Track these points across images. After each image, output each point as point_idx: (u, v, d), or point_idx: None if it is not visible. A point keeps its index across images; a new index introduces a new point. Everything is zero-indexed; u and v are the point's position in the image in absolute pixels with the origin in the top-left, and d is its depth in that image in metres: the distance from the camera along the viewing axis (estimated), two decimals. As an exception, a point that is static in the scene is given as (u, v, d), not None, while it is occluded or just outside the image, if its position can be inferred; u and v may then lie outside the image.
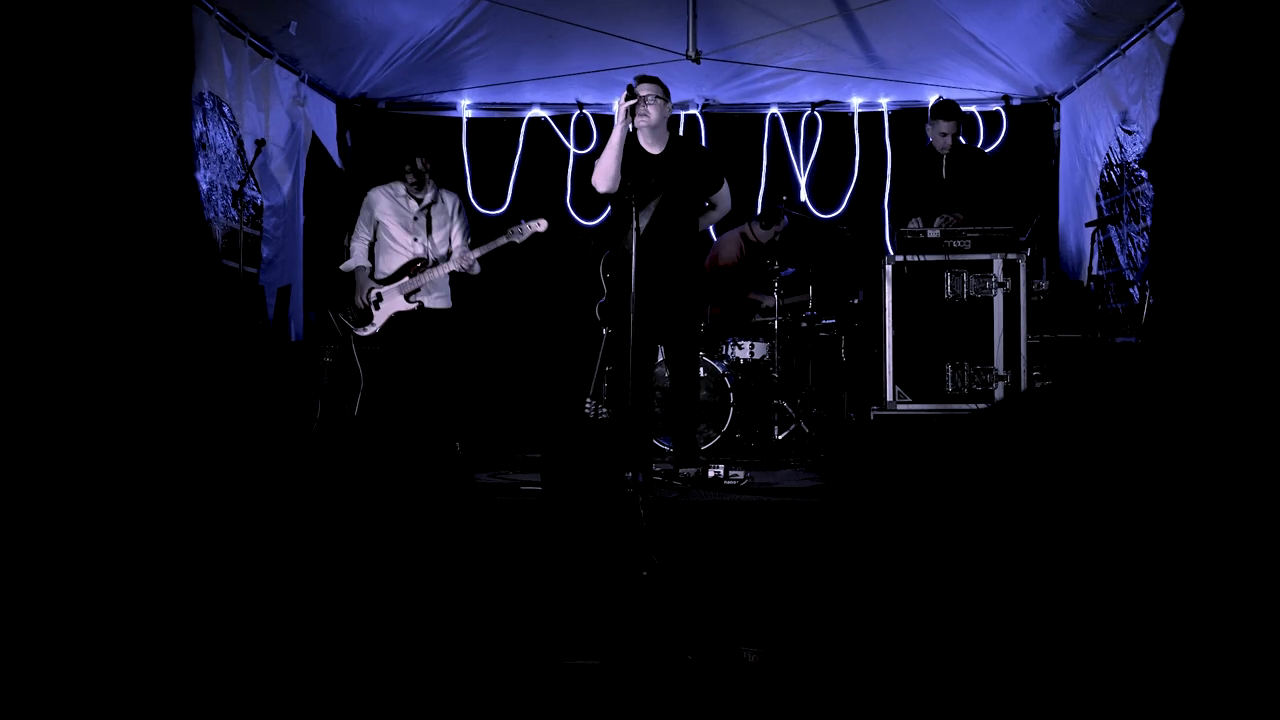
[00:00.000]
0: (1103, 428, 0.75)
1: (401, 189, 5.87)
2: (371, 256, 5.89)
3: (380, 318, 5.82)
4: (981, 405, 5.33)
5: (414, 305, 5.80)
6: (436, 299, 5.87)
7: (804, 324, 6.89)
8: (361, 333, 5.84)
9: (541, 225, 5.69)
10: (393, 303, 5.81)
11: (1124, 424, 0.74)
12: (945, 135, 6.08)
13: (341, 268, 5.94)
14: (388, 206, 5.86)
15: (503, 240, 5.72)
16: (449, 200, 5.96)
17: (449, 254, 5.89)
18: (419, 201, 5.85)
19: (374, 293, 5.80)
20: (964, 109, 7.89)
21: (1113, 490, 0.72)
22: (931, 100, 7.59)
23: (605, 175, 4.85)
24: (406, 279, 5.80)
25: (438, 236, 5.85)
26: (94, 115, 1.19)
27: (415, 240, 5.84)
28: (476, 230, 6.17)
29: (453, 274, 5.85)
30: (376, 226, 5.86)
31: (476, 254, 5.75)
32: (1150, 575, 0.68)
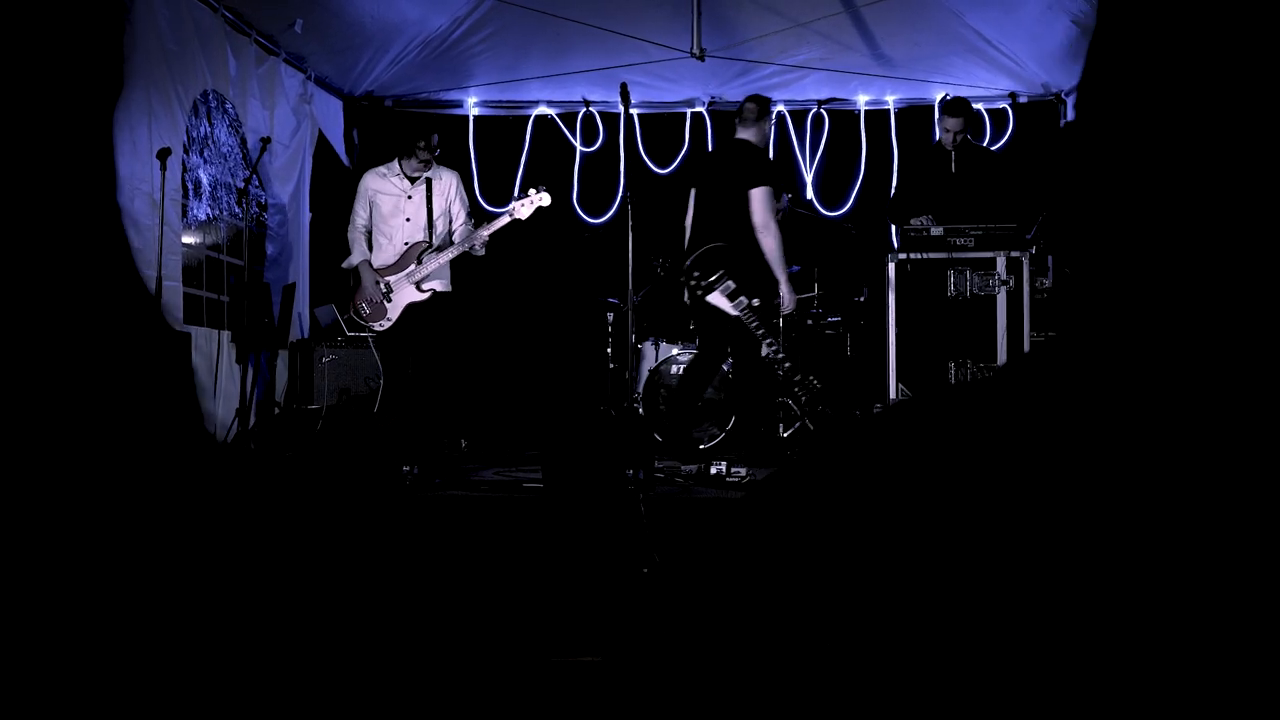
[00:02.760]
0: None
1: (395, 168, 5.66)
2: (371, 245, 5.69)
3: (394, 310, 5.61)
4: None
5: (426, 294, 5.59)
6: (438, 283, 5.65)
7: (809, 321, 6.89)
8: (378, 327, 5.64)
9: (545, 199, 5.49)
10: (404, 294, 5.59)
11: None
12: (950, 132, 6.08)
13: (344, 265, 5.77)
14: (380, 187, 5.67)
15: (506, 218, 5.50)
16: (448, 177, 5.74)
17: (451, 235, 5.70)
18: (413, 181, 5.64)
19: (382, 283, 5.60)
20: (971, 106, 7.88)
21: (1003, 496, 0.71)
22: (938, 98, 7.60)
23: None
24: (414, 266, 5.58)
25: (439, 218, 5.65)
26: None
27: (409, 221, 5.62)
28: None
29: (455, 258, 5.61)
30: (371, 209, 5.66)
31: (485, 232, 5.48)
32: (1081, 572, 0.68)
